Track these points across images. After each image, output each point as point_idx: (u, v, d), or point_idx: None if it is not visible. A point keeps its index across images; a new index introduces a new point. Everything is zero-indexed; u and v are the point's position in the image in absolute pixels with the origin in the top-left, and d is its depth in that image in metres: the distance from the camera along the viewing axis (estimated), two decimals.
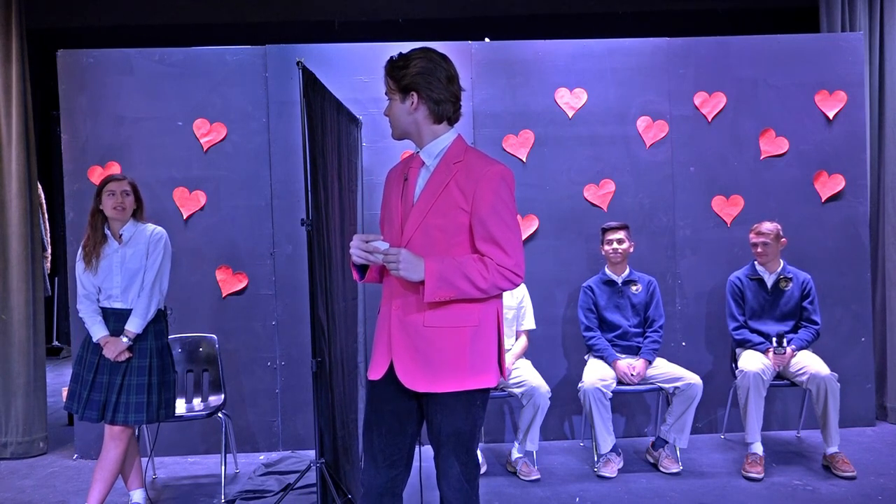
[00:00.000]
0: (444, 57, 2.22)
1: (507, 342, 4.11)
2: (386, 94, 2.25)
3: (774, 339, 4.01)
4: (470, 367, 2.13)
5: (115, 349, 3.25)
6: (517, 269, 2.13)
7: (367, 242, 2.12)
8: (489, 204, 2.10)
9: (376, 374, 2.23)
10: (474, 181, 2.12)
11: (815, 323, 4.12)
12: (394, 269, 2.09)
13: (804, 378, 3.95)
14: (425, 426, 2.27)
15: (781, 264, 4.20)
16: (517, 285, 2.15)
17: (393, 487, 2.24)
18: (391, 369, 2.19)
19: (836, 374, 3.90)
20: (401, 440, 2.24)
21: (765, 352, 4.06)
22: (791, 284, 4.16)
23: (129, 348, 3.29)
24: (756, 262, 4.22)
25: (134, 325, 3.28)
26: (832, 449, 3.90)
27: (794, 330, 4.15)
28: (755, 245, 4.17)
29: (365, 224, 4.44)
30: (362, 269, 2.25)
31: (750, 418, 3.93)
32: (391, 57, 2.24)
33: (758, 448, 3.93)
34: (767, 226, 4.14)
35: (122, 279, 3.31)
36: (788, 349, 4.00)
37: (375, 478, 2.23)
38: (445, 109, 2.19)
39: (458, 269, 2.08)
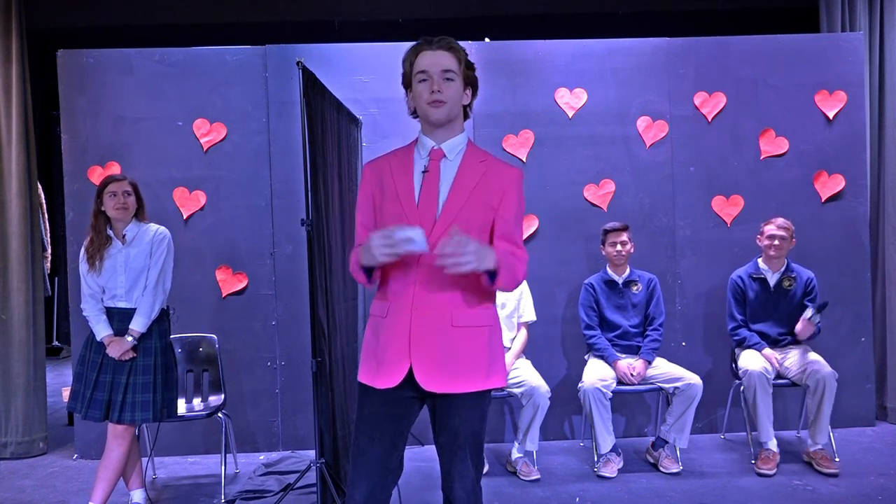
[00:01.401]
0: None
1: (508, 336, 4.13)
2: (447, 72, 2.10)
3: (811, 309, 3.95)
4: (488, 367, 2.11)
5: (121, 348, 3.26)
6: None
7: (390, 237, 1.95)
8: (516, 208, 2.15)
9: (391, 381, 2.09)
10: (505, 183, 2.13)
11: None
12: (464, 264, 1.93)
13: (804, 373, 3.95)
14: (433, 429, 2.20)
15: (785, 263, 4.18)
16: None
17: (386, 497, 2.17)
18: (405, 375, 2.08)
19: (836, 373, 3.90)
20: (400, 446, 2.18)
21: (760, 351, 4.06)
22: (795, 284, 4.14)
23: (133, 347, 3.30)
24: (760, 260, 4.21)
25: (138, 325, 3.29)
26: (817, 446, 3.92)
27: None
28: (772, 238, 4.09)
29: None
30: (369, 271, 2.11)
31: (760, 417, 3.92)
32: (447, 38, 2.14)
33: (773, 445, 3.93)
34: (782, 222, 4.10)
35: (127, 279, 3.31)
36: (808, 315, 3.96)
37: (373, 488, 2.12)
38: (468, 114, 2.24)
39: (508, 260, 2.07)
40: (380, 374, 2.12)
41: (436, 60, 2.09)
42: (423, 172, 2.13)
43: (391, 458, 2.14)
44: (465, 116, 2.22)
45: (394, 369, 2.09)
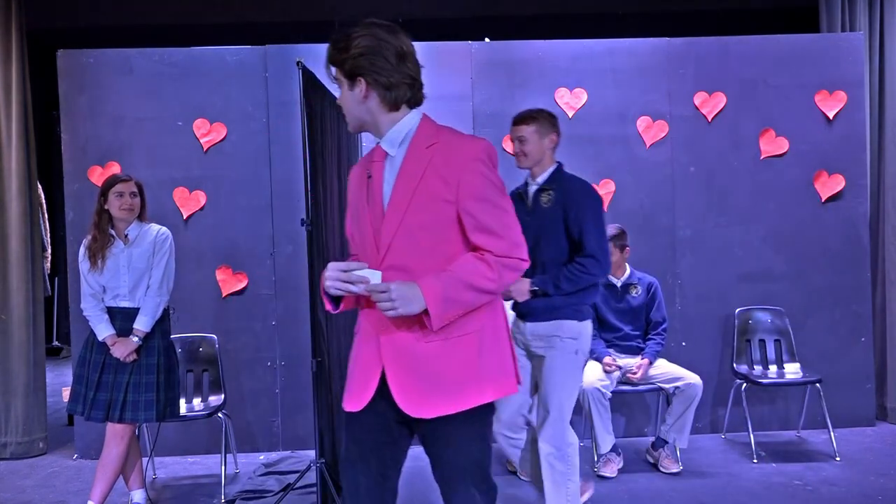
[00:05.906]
0: (392, 30, 1.84)
1: None
2: (334, 80, 1.92)
3: None
4: (479, 378, 1.84)
5: (126, 349, 3.25)
6: (515, 250, 1.84)
7: (346, 272, 1.79)
8: (478, 191, 1.81)
9: (358, 403, 1.88)
10: (458, 167, 1.81)
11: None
12: (389, 311, 1.75)
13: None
14: (430, 461, 1.95)
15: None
16: (523, 270, 1.87)
17: None
18: (374, 398, 1.87)
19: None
20: (392, 477, 1.95)
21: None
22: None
23: (137, 348, 3.29)
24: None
25: (143, 324, 3.29)
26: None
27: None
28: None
29: None
30: (336, 298, 1.92)
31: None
32: (333, 37, 1.87)
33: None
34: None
35: (130, 279, 3.31)
36: None
37: None
38: (401, 94, 1.86)
39: (459, 281, 1.78)
40: (347, 395, 1.92)
41: None
42: (368, 178, 1.90)
43: (383, 490, 1.92)
44: (398, 101, 1.87)
45: (360, 390, 1.88)
